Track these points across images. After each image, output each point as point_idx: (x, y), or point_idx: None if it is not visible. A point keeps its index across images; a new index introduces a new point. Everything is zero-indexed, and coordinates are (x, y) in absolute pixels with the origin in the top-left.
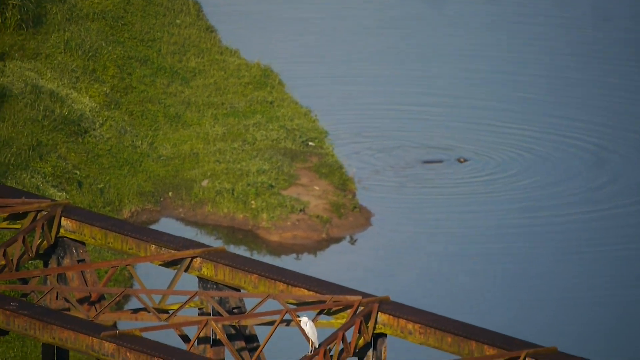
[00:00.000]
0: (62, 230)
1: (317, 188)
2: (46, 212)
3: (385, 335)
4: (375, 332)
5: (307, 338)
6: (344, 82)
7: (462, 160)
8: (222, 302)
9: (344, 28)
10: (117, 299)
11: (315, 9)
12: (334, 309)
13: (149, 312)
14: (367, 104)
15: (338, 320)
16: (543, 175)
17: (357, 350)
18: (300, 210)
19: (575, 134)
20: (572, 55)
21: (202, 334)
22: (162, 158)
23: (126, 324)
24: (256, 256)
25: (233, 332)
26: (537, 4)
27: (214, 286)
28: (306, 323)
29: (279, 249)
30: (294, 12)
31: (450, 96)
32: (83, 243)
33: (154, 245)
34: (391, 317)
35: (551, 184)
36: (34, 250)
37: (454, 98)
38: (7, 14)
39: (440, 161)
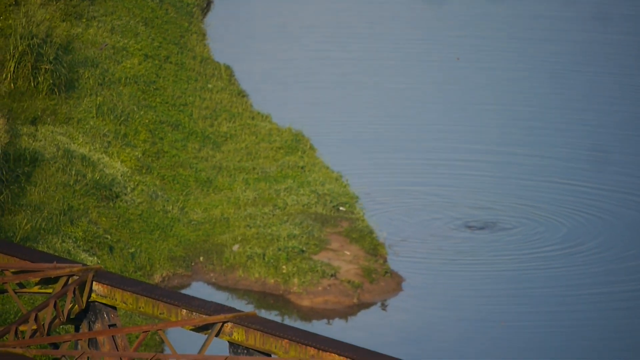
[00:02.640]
0: (93, 295)
1: (348, 253)
2: (77, 277)
3: None
4: None
5: None
6: (376, 143)
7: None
8: None
9: (375, 86)
10: None
11: (343, 68)
12: None
13: None
14: (401, 164)
15: None
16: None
17: None
18: (332, 276)
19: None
20: None
21: None
22: (193, 223)
23: None
24: (287, 321)
25: None
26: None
27: (245, 351)
28: None
29: (310, 314)
30: (323, 74)
31: (495, 151)
32: (114, 308)
33: (185, 310)
34: None
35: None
36: (65, 314)
37: (500, 153)
38: (39, 79)
39: (481, 228)
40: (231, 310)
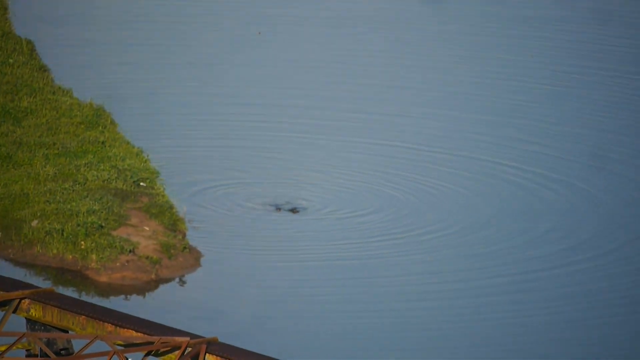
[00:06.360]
0: None
1: (147, 228)
2: None
3: None
4: None
5: None
6: (182, 114)
7: (295, 211)
8: (49, 343)
9: (183, 54)
10: None
11: (149, 44)
12: (162, 350)
13: None
14: (208, 139)
15: None
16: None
17: None
18: (130, 251)
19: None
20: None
21: None
22: None
23: None
24: (85, 297)
25: None
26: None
27: (42, 327)
28: None
29: (108, 290)
30: (131, 48)
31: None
32: None
33: None
34: (219, 357)
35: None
36: None
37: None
38: None
39: (291, 208)
40: (29, 286)
